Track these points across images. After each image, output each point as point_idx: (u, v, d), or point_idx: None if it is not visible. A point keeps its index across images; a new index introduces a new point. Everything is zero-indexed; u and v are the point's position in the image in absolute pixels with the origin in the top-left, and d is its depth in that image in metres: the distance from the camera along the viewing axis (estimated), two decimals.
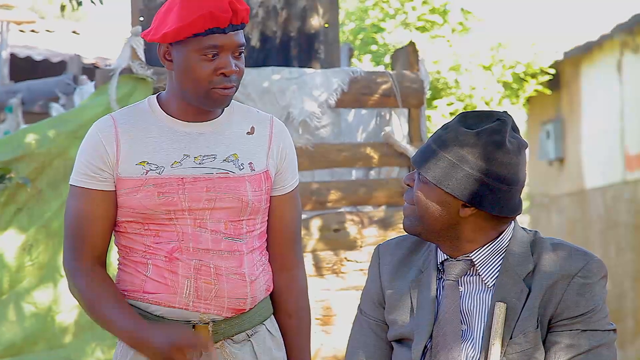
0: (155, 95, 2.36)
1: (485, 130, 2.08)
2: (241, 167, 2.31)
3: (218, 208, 2.28)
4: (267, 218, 2.40)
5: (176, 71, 2.27)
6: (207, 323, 2.30)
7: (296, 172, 2.45)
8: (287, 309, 2.44)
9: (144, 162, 2.27)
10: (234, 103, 2.40)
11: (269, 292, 2.42)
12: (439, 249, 2.18)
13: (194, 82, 2.24)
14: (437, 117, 9.93)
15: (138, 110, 2.34)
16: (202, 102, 2.27)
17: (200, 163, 2.28)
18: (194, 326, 2.29)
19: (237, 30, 2.24)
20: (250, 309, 2.34)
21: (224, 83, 2.24)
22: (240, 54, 2.26)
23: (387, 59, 10.22)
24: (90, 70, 7.92)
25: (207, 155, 2.29)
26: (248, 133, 2.36)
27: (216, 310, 2.29)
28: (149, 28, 2.29)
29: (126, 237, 2.32)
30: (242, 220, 2.32)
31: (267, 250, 2.42)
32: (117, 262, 2.38)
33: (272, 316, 2.43)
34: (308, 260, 3.99)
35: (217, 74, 2.23)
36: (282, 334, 2.45)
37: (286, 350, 2.44)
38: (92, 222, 2.28)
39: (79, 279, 2.30)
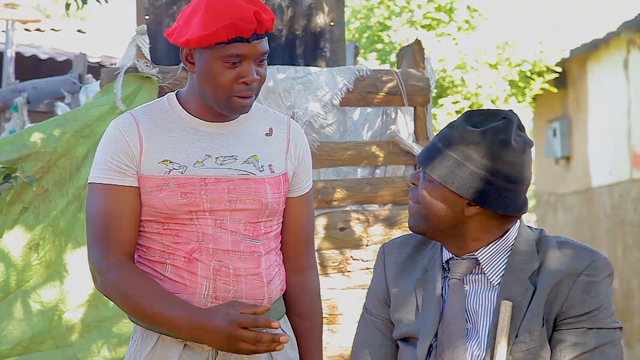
0: (174, 94, 2.35)
1: (491, 129, 2.08)
2: (261, 169, 2.31)
3: (238, 209, 2.28)
4: (282, 219, 2.40)
5: (198, 75, 2.25)
6: None
7: (311, 174, 2.44)
8: (300, 311, 2.44)
9: (166, 160, 2.26)
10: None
11: (283, 292, 2.42)
12: (444, 248, 2.18)
13: (214, 88, 2.23)
14: (443, 115, 9.92)
15: (157, 108, 2.32)
16: (222, 108, 2.26)
17: (221, 164, 2.28)
18: None
19: (262, 38, 2.22)
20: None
21: (244, 91, 2.23)
22: (262, 60, 2.24)
23: (392, 57, 10.21)
24: (95, 69, 7.92)
25: (228, 156, 2.29)
26: (267, 134, 2.35)
27: None
28: (173, 27, 2.27)
29: (144, 237, 2.30)
30: (261, 221, 2.31)
31: (281, 251, 2.42)
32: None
33: (285, 315, 2.43)
34: None
35: (239, 82, 2.21)
36: (294, 335, 2.44)
37: (298, 351, 2.44)
38: (120, 218, 2.25)
39: (112, 274, 2.23)
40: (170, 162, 2.26)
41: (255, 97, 2.28)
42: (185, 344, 2.28)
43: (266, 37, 2.24)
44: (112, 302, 3.69)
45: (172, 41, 2.26)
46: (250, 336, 2.13)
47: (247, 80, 2.21)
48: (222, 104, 2.25)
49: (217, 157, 2.28)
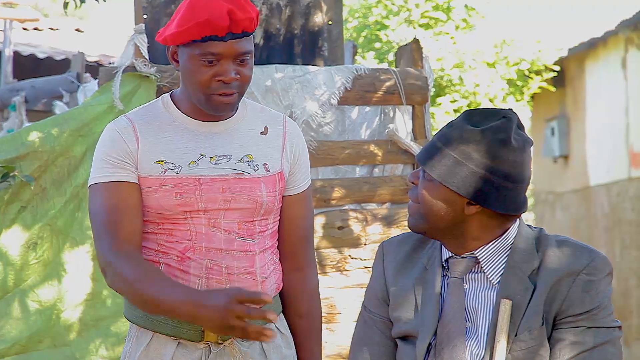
0: (168, 94, 2.36)
1: (491, 127, 2.07)
2: (256, 168, 2.31)
3: (232, 209, 2.28)
4: (278, 218, 2.40)
5: (181, 72, 2.28)
6: None
7: (308, 173, 2.44)
8: (298, 310, 2.44)
9: (161, 160, 2.26)
10: (248, 102, 2.40)
11: (279, 291, 2.42)
12: (443, 247, 2.18)
13: (194, 85, 2.25)
14: (441, 114, 9.92)
15: (152, 109, 2.34)
16: (203, 106, 2.27)
17: (215, 163, 2.28)
18: None
19: (239, 38, 2.22)
20: (260, 307, 2.33)
21: (222, 89, 2.23)
22: (243, 60, 2.24)
23: (390, 56, 10.22)
24: (93, 68, 7.91)
25: (222, 156, 2.29)
26: (262, 133, 2.36)
27: None
28: (164, 27, 2.30)
29: None
30: (255, 220, 2.31)
31: (278, 249, 2.42)
32: None
33: (282, 314, 2.43)
34: None
35: (216, 80, 2.22)
36: (292, 335, 2.44)
37: (297, 350, 2.44)
38: (124, 212, 2.23)
39: (119, 265, 2.18)
40: (166, 162, 2.26)
41: (240, 97, 2.27)
42: (179, 342, 2.29)
43: (247, 37, 2.23)
44: (110, 301, 3.71)
45: (156, 39, 2.29)
46: (244, 311, 2.01)
47: (223, 79, 2.22)
48: (202, 101, 2.26)
49: (211, 157, 2.28)
